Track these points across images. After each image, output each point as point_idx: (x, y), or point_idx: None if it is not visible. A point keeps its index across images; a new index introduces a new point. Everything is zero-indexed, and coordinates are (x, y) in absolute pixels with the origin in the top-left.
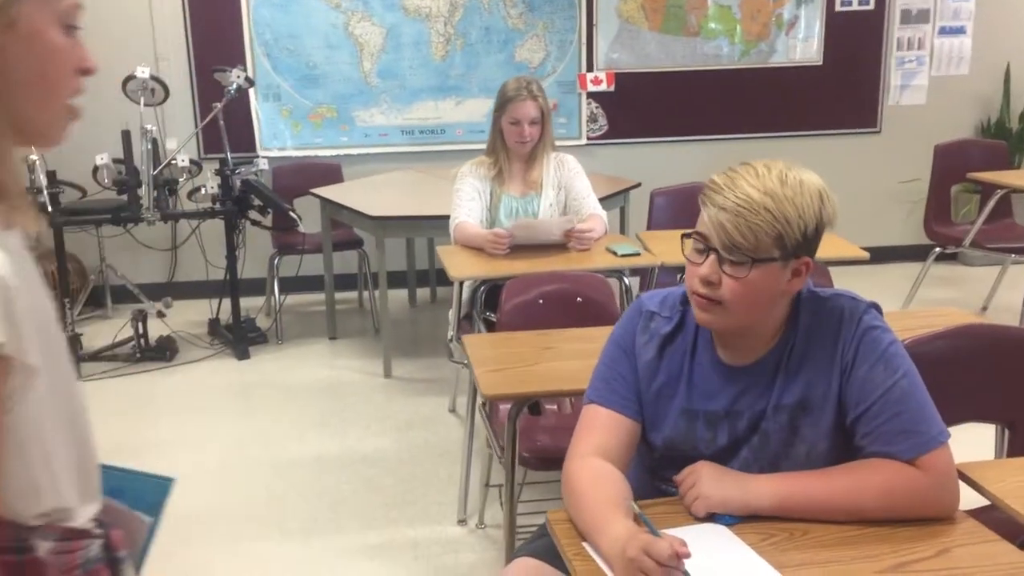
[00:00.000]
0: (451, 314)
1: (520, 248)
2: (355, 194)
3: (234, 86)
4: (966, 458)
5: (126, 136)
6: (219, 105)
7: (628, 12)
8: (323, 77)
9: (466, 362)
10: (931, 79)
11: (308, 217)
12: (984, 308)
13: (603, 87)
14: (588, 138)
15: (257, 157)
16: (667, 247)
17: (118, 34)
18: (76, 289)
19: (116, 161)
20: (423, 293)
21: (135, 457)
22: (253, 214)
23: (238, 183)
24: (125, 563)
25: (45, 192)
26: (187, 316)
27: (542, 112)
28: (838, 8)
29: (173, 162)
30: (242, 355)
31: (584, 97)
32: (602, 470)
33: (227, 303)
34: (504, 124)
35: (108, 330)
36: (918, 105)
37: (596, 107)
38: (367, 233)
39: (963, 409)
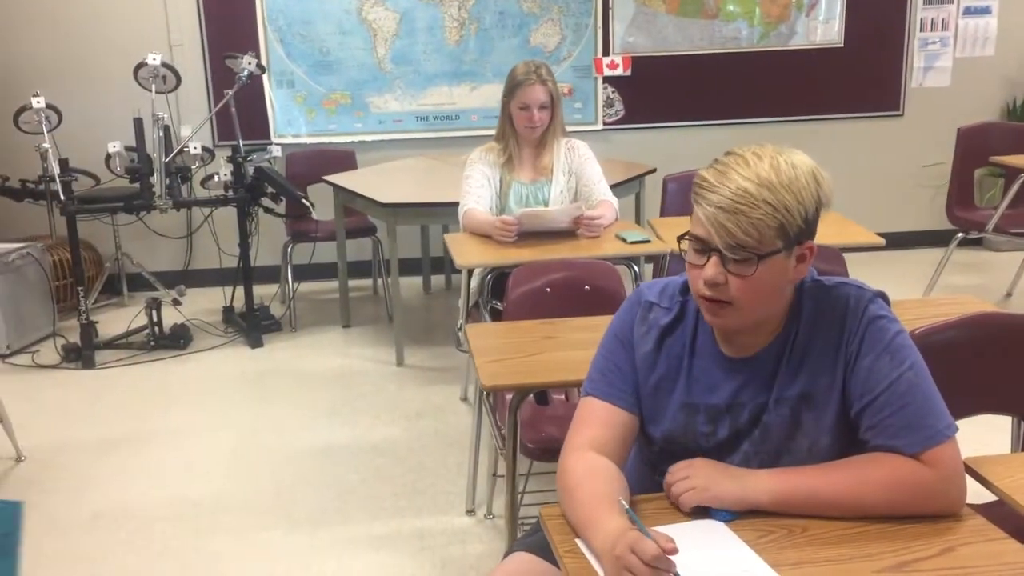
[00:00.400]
0: (460, 302)
1: (528, 235)
2: (368, 181)
3: (245, 72)
4: (982, 451)
5: (138, 124)
6: (230, 92)
7: None
8: (337, 63)
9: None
10: (955, 60)
11: (322, 204)
12: (1008, 294)
13: (619, 71)
14: (604, 123)
15: (270, 144)
16: (678, 234)
17: (132, 21)
18: (92, 277)
19: (128, 149)
20: (437, 280)
21: (148, 445)
22: (266, 201)
23: (251, 170)
24: None
25: (58, 180)
26: (201, 304)
27: (552, 97)
28: None
29: (185, 149)
30: (256, 343)
31: (600, 82)
32: (596, 465)
33: (241, 291)
34: (513, 109)
35: (123, 318)
36: (942, 87)
37: (612, 92)
38: (380, 220)
39: (978, 400)
